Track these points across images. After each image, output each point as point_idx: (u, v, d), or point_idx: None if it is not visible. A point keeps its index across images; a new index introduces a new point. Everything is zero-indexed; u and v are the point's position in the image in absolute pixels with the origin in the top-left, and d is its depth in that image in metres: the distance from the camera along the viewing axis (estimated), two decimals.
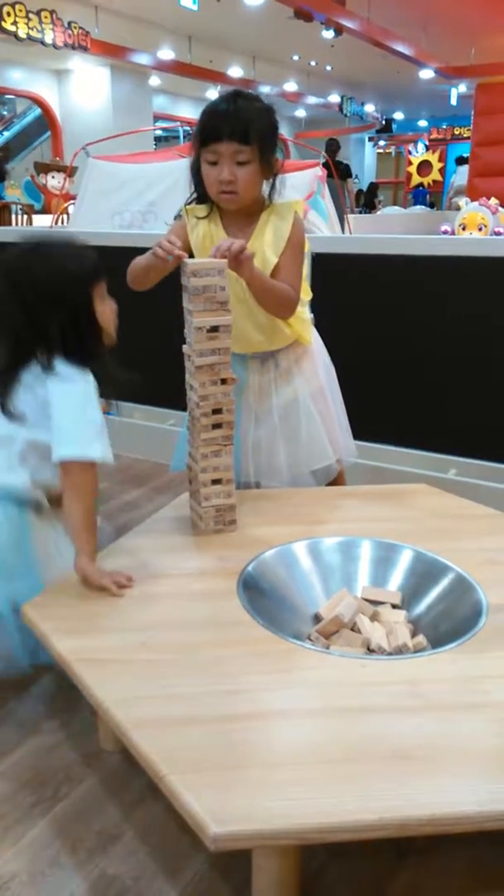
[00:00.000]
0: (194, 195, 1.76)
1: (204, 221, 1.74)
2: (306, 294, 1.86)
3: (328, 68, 12.17)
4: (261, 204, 1.73)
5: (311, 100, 14.51)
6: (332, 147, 8.36)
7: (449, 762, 0.96)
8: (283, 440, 1.86)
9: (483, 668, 1.15)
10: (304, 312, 1.86)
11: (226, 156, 1.59)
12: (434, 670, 1.16)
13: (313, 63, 11.85)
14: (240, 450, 1.82)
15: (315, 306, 1.97)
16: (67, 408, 1.39)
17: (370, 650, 1.31)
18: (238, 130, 1.56)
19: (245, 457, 1.86)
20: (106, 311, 1.49)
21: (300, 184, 4.67)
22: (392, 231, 3.12)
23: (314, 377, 1.89)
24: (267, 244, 1.70)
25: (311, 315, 1.94)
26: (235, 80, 11.34)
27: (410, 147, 16.11)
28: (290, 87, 13.40)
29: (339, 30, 7.85)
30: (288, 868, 1.00)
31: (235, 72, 11.53)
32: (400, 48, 8.23)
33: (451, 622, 1.35)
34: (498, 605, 1.31)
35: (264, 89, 12.15)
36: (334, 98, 14.55)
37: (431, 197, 14.20)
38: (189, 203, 1.77)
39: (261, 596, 1.39)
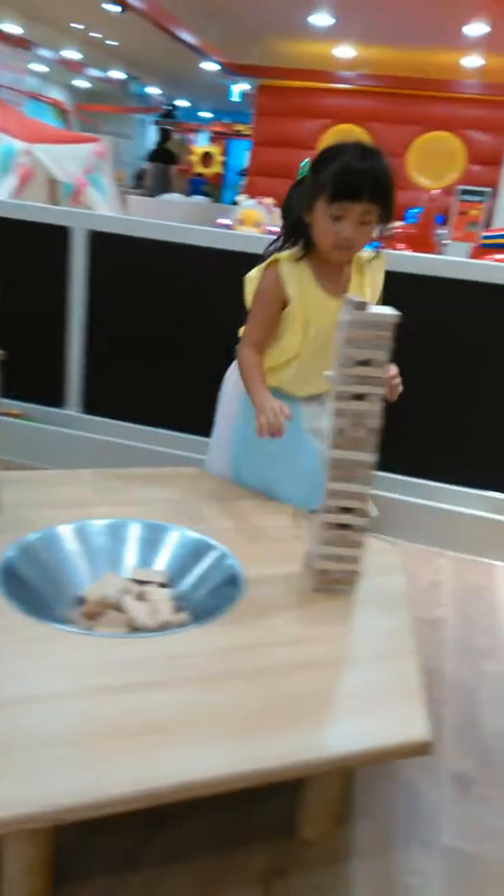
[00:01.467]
0: (278, 241, 1.70)
1: (295, 267, 1.66)
2: None
3: (112, 43, 11.88)
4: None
5: (94, 72, 14.08)
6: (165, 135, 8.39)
7: (202, 730, 1.00)
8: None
9: (238, 639, 1.22)
10: None
11: (355, 214, 1.53)
12: (193, 644, 1.20)
13: (97, 35, 11.50)
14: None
15: (93, 282, 1.92)
16: None
17: (134, 629, 1.32)
18: (377, 192, 1.51)
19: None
20: None
21: (78, 156, 4.53)
22: (172, 217, 3.15)
23: None
24: (366, 298, 1.68)
25: None
26: (12, 39, 10.64)
27: (194, 136, 16.29)
28: (71, 55, 12.88)
29: (123, 5, 7.68)
30: (40, 853, 0.98)
31: (13, 28, 10.82)
32: (185, 36, 8.25)
33: (212, 598, 1.40)
34: (255, 579, 1.39)
35: (44, 52, 11.58)
36: (118, 74, 14.25)
37: (210, 188, 14.52)
38: (275, 248, 1.71)
39: (22, 581, 1.34)
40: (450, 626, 2.01)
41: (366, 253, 1.70)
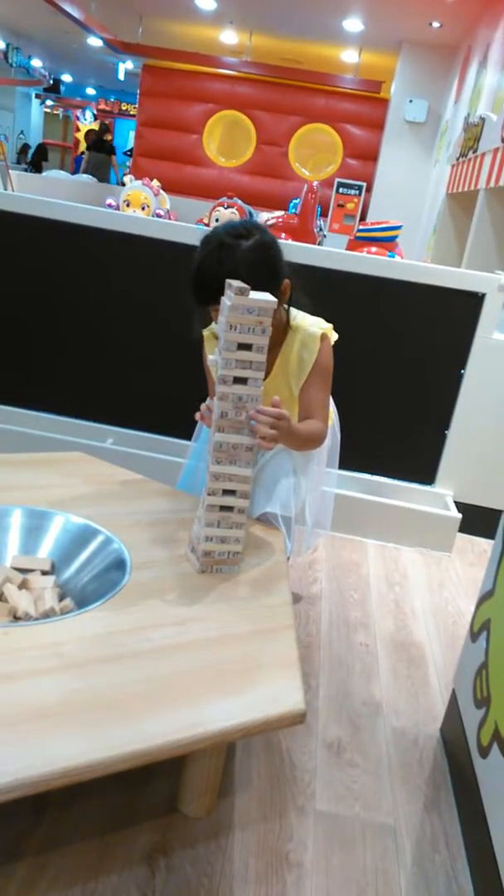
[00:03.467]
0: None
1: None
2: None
3: None
4: (283, 326, 1.60)
5: None
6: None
7: (85, 715, 1.00)
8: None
9: (122, 622, 1.22)
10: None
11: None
12: (77, 630, 1.19)
13: None
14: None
15: None
16: None
17: (17, 618, 1.30)
18: (203, 296, 1.45)
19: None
20: None
21: None
22: (58, 195, 3.06)
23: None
24: (292, 374, 1.62)
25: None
26: None
27: (79, 113, 15.81)
28: None
29: None
30: None
31: None
32: (69, 9, 7.98)
33: (97, 583, 1.40)
34: (140, 563, 1.40)
35: None
36: None
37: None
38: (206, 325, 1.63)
39: None
40: (325, 602, 2.10)
41: (307, 327, 1.63)
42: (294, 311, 1.65)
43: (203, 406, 1.42)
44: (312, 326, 1.64)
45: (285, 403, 1.64)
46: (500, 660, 1.34)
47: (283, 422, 1.38)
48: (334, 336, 1.68)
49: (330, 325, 1.68)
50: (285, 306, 1.62)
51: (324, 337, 1.63)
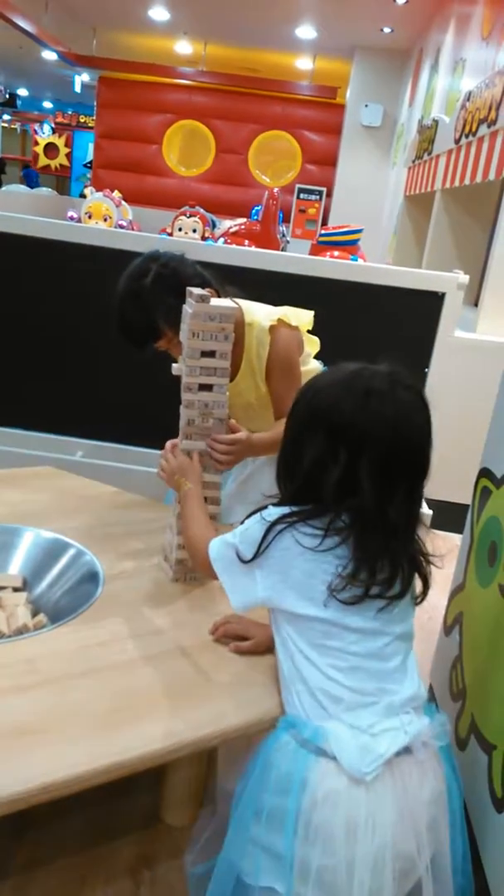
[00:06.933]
0: None
1: None
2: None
3: None
4: (236, 322, 1.50)
5: None
6: None
7: (62, 729, 1.00)
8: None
9: (97, 635, 1.21)
10: None
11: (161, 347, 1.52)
12: (51, 645, 1.19)
13: None
14: None
15: None
16: None
17: None
18: (135, 335, 1.50)
19: None
20: None
21: None
22: (17, 210, 3.04)
23: None
24: (256, 372, 1.58)
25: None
26: None
27: (37, 127, 15.72)
28: None
29: None
30: None
31: None
32: (21, 23, 7.95)
33: (70, 596, 1.39)
34: (113, 574, 1.39)
35: None
36: None
37: (58, 182, 14.13)
38: None
39: None
40: None
41: (259, 321, 1.58)
42: (247, 306, 1.59)
43: (168, 444, 1.42)
44: (264, 319, 1.57)
45: (257, 404, 1.64)
46: (474, 652, 1.35)
47: (237, 445, 1.40)
48: (300, 320, 1.61)
49: (285, 311, 1.59)
50: (238, 302, 1.57)
51: (274, 328, 1.55)
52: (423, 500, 0.93)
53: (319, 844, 0.90)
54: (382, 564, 0.96)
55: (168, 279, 1.47)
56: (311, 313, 1.66)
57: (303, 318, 1.63)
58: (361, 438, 0.94)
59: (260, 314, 1.58)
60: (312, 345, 1.74)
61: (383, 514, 0.95)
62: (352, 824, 0.90)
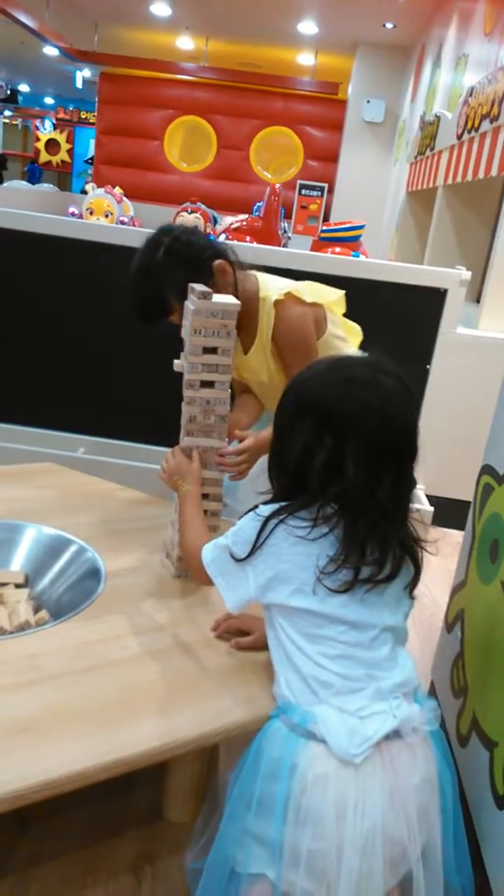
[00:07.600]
0: None
1: None
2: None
3: None
4: (251, 296, 1.52)
5: None
6: None
7: (63, 726, 1.00)
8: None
9: (99, 632, 1.21)
10: None
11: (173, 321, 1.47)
12: (53, 642, 1.19)
13: None
14: None
15: None
16: None
17: None
18: (148, 311, 1.48)
19: None
20: None
21: None
22: (19, 206, 3.04)
23: None
24: (266, 348, 1.55)
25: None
26: None
27: (38, 123, 15.70)
28: None
29: None
30: None
31: None
32: (23, 18, 7.93)
33: (72, 593, 1.39)
34: (114, 571, 1.39)
35: None
36: None
37: (59, 178, 14.10)
38: None
39: None
40: None
41: (269, 295, 1.55)
42: (264, 279, 1.56)
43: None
44: (273, 293, 1.52)
45: (269, 383, 1.61)
46: (476, 649, 1.35)
47: (246, 453, 1.41)
48: (323, 297, 1.57)
49: (297, 286, 1.54)
50: (255, 275, 1.56)
51: (280, 303, 1.50)
52: (420, 491, 0.93)
53: (309, 828, 0.90)
54: (373, 547, 0.97)
55: (180, 252, 1.45)
56: (341, 292, 1.62)
57: (327, 295, 1.60)
58: (345, 425, 0.95)
59: (272, 287, 1.55)
60: (349, 330, 1.72)
61: (372, 496, 0.95)
62: (341, 806, 0.90)
